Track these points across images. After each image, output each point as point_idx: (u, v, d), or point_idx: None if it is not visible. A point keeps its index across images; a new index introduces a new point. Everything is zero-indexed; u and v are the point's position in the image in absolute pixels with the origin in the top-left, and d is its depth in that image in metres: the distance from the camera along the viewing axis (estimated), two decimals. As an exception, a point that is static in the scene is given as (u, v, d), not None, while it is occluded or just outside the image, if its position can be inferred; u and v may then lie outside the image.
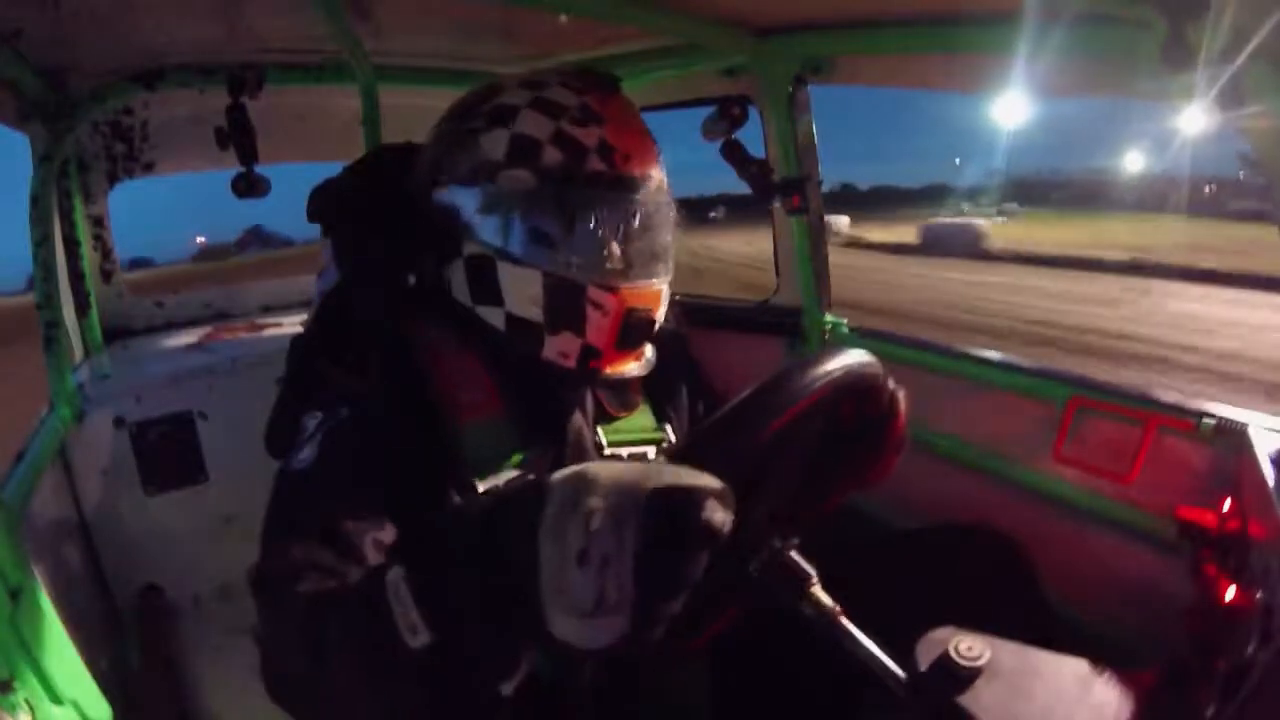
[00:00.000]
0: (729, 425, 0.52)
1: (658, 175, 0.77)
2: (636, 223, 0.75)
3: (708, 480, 0.43)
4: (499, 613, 0.46)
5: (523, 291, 0.74)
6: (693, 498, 0.42)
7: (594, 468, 0.45)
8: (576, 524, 0.42)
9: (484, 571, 0.46)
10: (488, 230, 0.74)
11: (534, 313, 0.74)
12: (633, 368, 0.81)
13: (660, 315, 0.80)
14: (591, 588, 0.41)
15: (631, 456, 0.82)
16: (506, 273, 0.74)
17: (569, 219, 0.72)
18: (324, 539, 0.61)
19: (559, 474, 0.46)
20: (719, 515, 0.42)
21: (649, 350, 0.83)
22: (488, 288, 0.75)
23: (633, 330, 0.76)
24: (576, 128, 0.73)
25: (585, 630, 0.42)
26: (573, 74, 0.79)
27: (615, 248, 0.74)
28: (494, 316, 0.76)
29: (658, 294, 0.79)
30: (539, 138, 0.72)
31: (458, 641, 0.47)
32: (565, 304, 0.73)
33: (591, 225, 0.73)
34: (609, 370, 0.78)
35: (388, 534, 0.63)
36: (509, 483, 0.71)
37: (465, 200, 0.74)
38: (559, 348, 0.75)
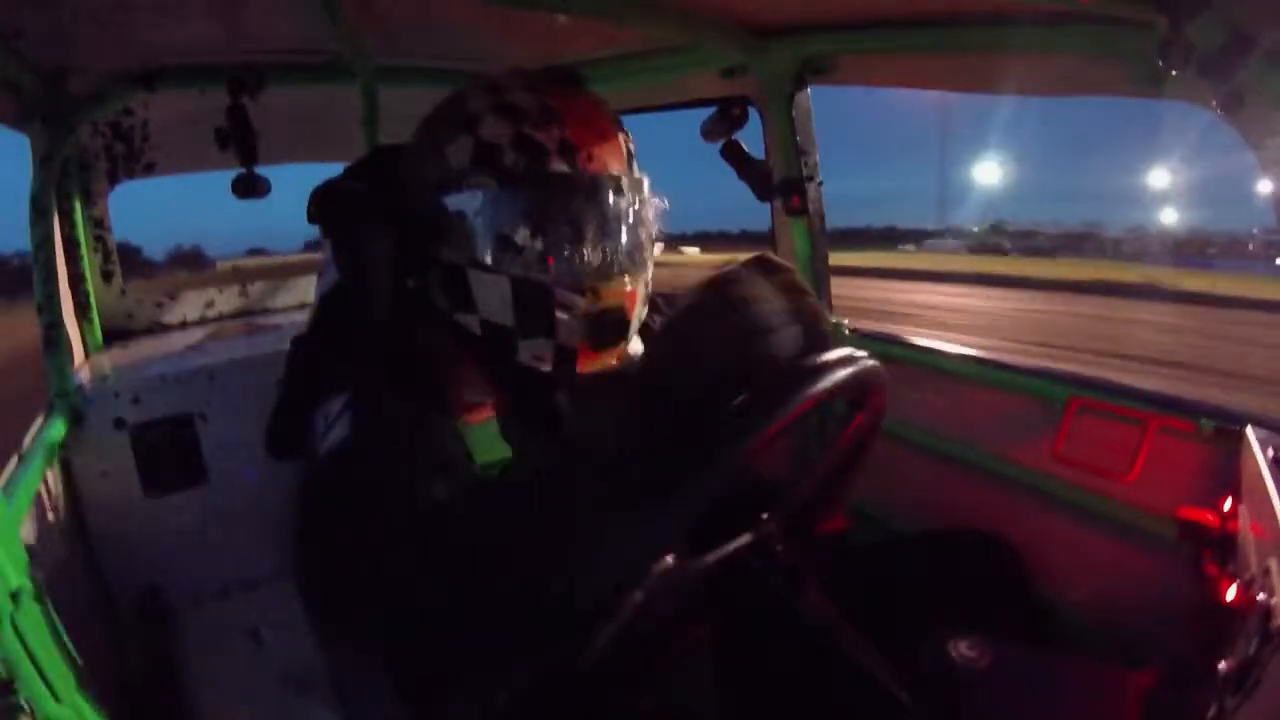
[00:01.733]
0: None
1: (624, 172, 0.76)
2: (601, 222, 0.74)
3: None
4: None
5: (493, 297, 0.73)
6: None
7: None
8: None
9: None
10: (456, 238, 0.73)
11: (506, 318, 0.74)
12: (611, 363, 0.80)
13: (636, 313, 0.79)
14: None
15: None
16: (477, 280, 0.73)
17: (532, 222, 0.72)
18: (394, 515, 0.58)
19: None
20: None
21: (635, 345, 0.82)
22: (462, 295, 0.75)
23: (605, 329, 0.76)
24: (536, 129, 0.72)
25: None
26: (536, 74, 0.78)
27: (581, 248, 0.73)
28: (471, 323, 0.75)
29: (630, 292, 0.77)
30: (499, 142, 0.72)
31: None
32: (534, 308, 0.73)
33: (555, 227, 0.72)
34: (587, 369, 0.78)
35: (443, 490, 0.61)
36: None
37: (435, 209, 0.74)
38: (533, 351, 0.75)
